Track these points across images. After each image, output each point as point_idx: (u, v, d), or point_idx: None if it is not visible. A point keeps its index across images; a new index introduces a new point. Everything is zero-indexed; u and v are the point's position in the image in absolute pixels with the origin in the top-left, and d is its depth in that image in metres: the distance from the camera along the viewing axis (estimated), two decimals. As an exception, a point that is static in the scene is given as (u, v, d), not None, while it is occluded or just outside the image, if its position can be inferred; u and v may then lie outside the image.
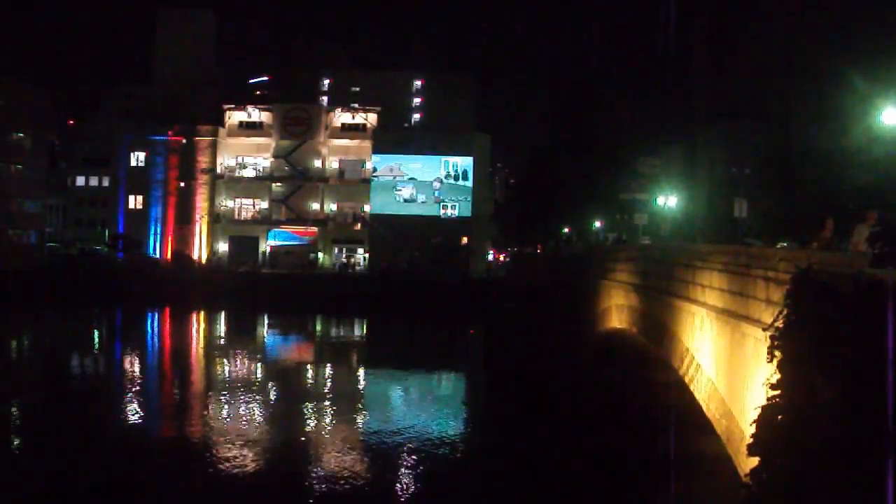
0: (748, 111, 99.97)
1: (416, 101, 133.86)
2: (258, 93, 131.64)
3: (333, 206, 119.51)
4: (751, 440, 14.20)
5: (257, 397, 47.54)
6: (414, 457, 33.76)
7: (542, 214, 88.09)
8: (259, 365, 61.42)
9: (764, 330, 15.12)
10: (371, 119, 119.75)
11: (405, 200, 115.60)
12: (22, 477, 30.61)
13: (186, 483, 30.23)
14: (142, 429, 39.61)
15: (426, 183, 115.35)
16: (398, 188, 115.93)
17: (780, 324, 14.05)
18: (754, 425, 14.13)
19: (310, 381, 56.49)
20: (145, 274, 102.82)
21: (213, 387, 51.05)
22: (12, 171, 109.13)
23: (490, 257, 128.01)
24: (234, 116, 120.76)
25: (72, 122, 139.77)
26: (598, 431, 35.33)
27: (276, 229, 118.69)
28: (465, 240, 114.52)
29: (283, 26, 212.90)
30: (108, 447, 34.85)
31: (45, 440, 35.94)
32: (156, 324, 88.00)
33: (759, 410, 14.05)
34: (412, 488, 30.05)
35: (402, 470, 32.11)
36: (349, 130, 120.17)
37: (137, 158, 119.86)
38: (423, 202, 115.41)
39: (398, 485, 30.32)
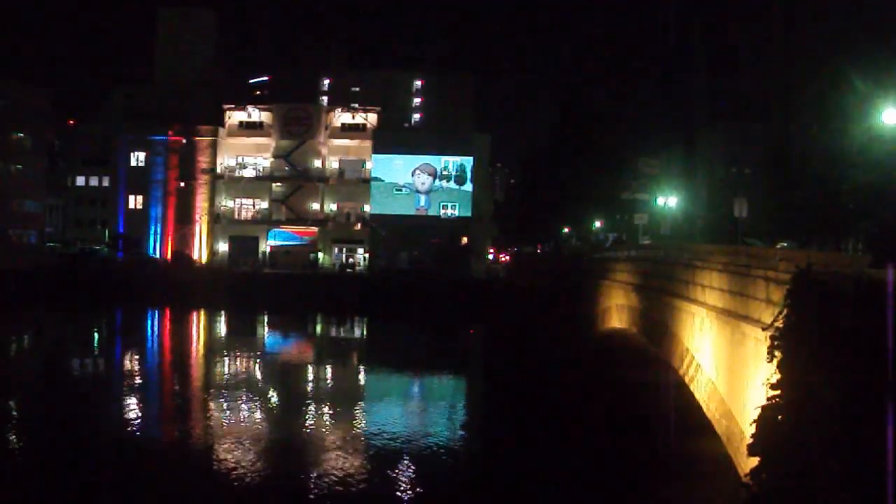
0: (748, 111, 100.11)
1: (416, 101, 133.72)
2: (258, 93, 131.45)
3: (333, 206, 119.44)
4: (751, 440, 14.21)
5: (257, 397, 47.52)
6: (413, 457, 33.73)
7: (542, 214, 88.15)
8: (259, 365, 61.37)
9: (764, 330, 15.12)
10: (371, 119, 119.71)
11: (405, 200, 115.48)
12: (21, 477, 30.57)
13: (186, 482, 30.23)
14: (143, 428, 39.55)
15: (426, 183, 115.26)
16: (398, 188, 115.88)
17: (780, 324, 14.06)
18: (754, 425, 14.14)
19: (309, 381, 56.45)
20: (145, 274, 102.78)
21: (214, 387, 51.01)
22: (12, 171, 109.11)
23: (490, 257, 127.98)
24: (234, 116, 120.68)
25: (72, 122, 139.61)
26: (598, 431, 35.33)
27: (276, 229, 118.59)
28: (465, 240, 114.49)
29: (283, 26, 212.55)
30: (109, 447, 34.83)
31: (45, 440, 35.89)
32: (156, 324, 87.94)
33: (759, 410, 14.05)
34: (411, 489, 30.03)
35: (401, 471, 32.07)
36: (349, 130, 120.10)
37: (137, 158, 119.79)
38: (422, 202, 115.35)
39: (397, 485, 30.29)
